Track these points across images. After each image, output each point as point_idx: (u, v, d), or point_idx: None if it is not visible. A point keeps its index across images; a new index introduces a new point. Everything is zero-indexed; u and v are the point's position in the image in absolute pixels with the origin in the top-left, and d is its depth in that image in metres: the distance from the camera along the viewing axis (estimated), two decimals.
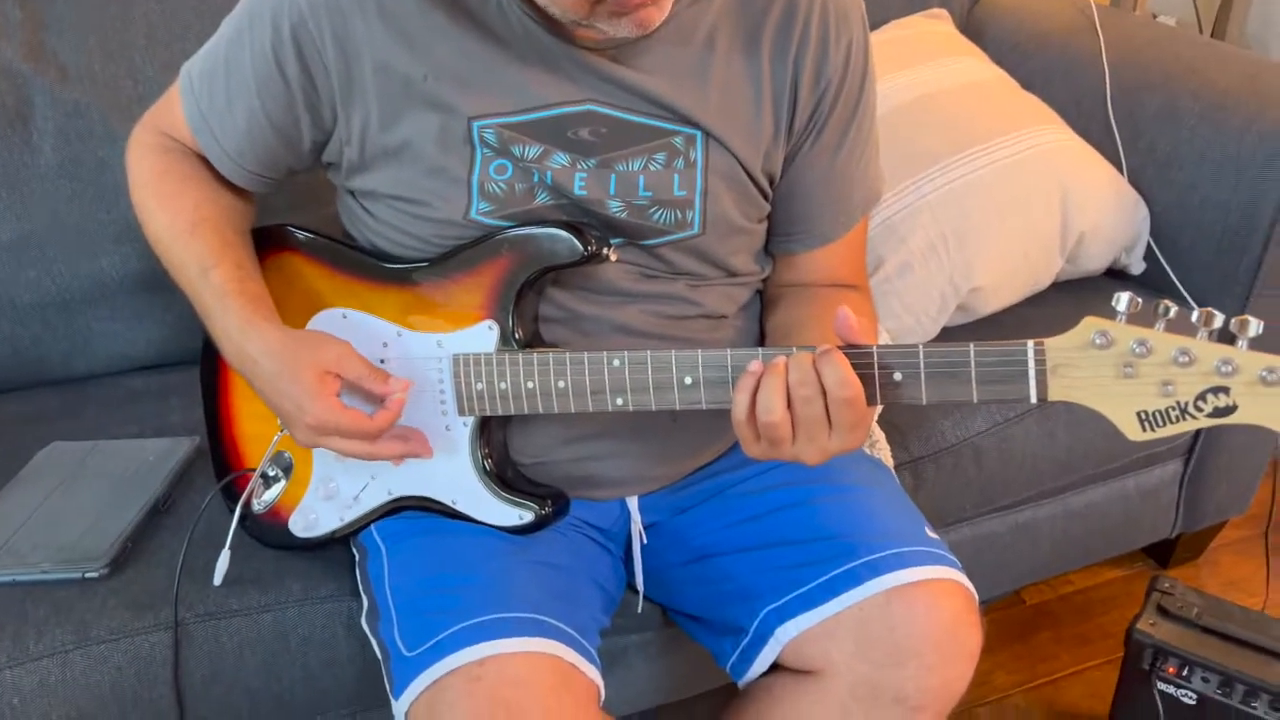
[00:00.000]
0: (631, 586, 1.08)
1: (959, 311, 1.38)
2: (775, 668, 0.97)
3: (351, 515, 0.99)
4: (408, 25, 0.87)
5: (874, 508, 0.99)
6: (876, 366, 0.77)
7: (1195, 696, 1.20)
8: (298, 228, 1.00)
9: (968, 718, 1.42)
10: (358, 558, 1.02)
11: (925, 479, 1.25)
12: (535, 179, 0.89)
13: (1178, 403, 0.68)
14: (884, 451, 1.22)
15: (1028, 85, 1.56)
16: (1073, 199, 1.39)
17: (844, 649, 0.92)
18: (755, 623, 0.96)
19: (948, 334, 1.37)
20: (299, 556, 1.04)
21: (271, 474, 1.01)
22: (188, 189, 0.96)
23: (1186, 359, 0.66)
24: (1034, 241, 1.38)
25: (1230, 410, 0.66)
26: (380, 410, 0.88)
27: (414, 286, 0.93)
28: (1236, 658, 1.19)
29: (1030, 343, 0.72)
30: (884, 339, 1.29)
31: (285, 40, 0.89)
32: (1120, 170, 1.46)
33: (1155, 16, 1.81)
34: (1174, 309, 0.68)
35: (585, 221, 0.90)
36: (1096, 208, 1.40)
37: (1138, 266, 1.47)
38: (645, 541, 1.05)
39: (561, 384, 0.87)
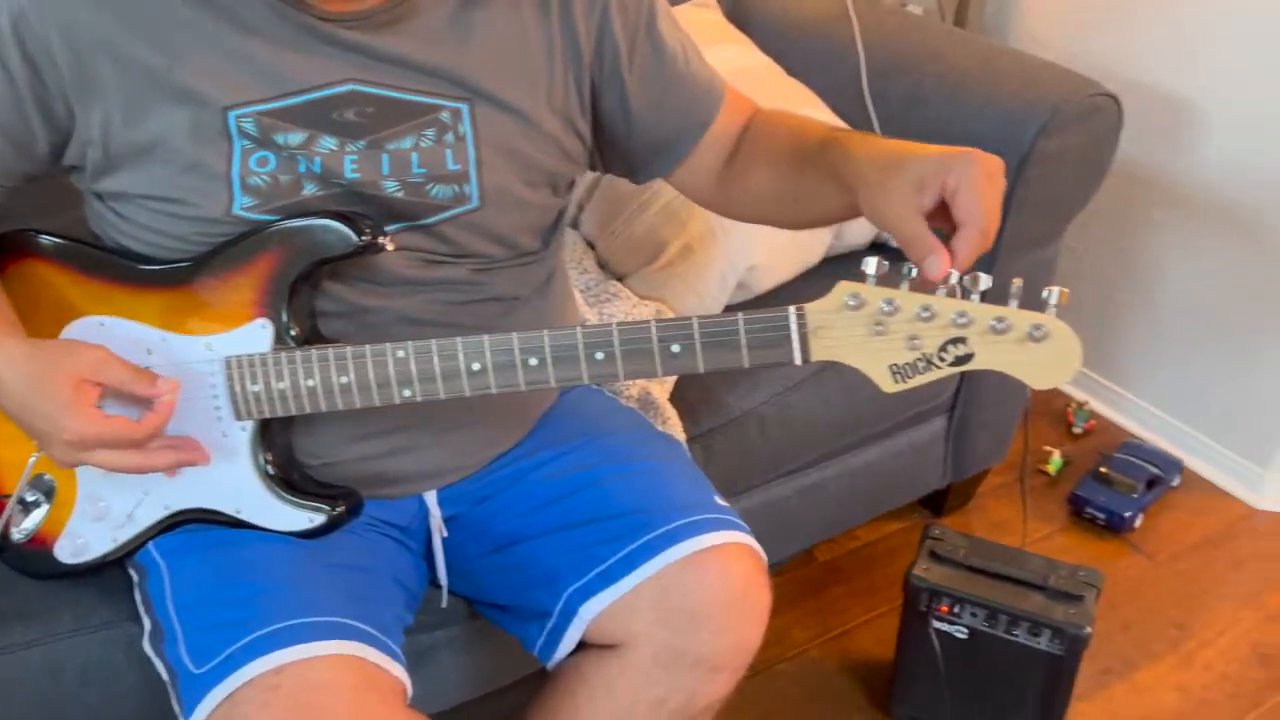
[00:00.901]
0: (434, 582, 1.07)
1: (740, 290, 1.44)
2: (582, 646, 0.98)
3: (126, 535, 0.93)
4: (142, 12, 0.82)
5: (666, 481, 1.02)
6: (655, 340, 0.80)
7: (967, 630, 1.31)
8: (41, 232, 0.92)
9: (769, 675, 1.48)
10: (136, 579, 0.96)
11: (715, 450, 1.30)
12: (302, 168, 0.86)
13: (924, 354, 0.74)
14: (675, 427, 1.26)
15: (792, 71, 1.64)
16: None
17: (645, 619, 0.94)
18: (559, 604, 0.98)
19: (732, 311, 1.43)
20: (68, 584, 0.97)
21: (30, 499, 0.94)
22: None
23: (928, 314, 0.72)
24: None
25: (968, 358, 0.73)
26: (148, 413, 0.83)
27: (177, 287, 0.88)
28: (999, 592, 1.30)
29: (792, 309, 0.76)
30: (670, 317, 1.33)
31: (5, 34, 0.81)
32: None
33: (904, 5, 1.94)
34: (916, 269, 0.73)
35: (358, 211, 0.88)
36: None
37: None
38: (446, 535, 1.04)
39: (344, 379, 0.85)
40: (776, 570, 1.56)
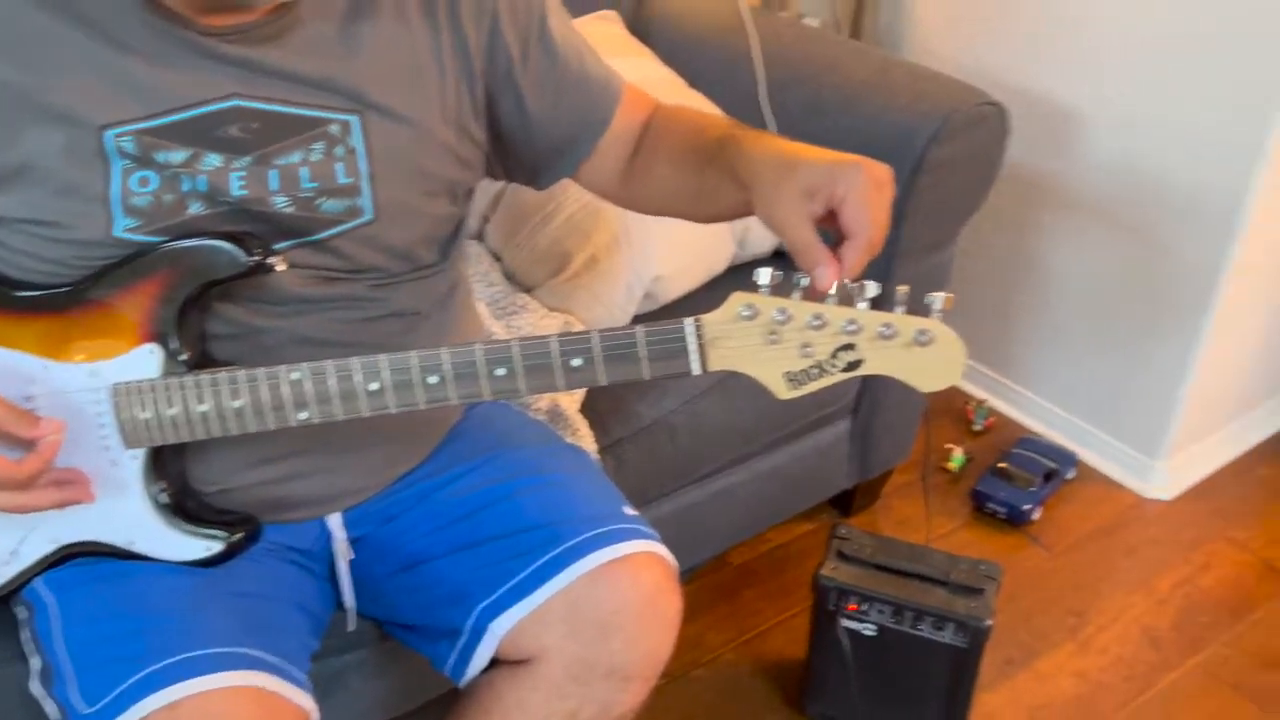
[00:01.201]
0: (340, 605, 1.05)
1: (647, 299, 1.45)
2: (494, 663, 0.98)
3: (10, 572, 0.90)
4: (8, 32, 0.79)
5: (574, 494, 1.02)
6: (556, 355, 0.80)
7: (875, 627, 1.34)
8: None
9: (685, 681, 1.49)
10: (23, 616, 0.92)
11: (626, 459, 1.31)
12: (185, 187, 0.84)
13: (816, 361, 0.75)
14: (585, 438, 1.26)
15: (693, 83, 1.66)
16: None
17: (556, 633, 0.94)
18: (470, 621, 0.97)
19: (639, 321, 1.43)
20: None
21: None
22: None
23: (819, 322, 0.74)
24: (705, 229, 1.46)
25: (859, 364, 0.75)
26: (30, 455, 0.80)
27: (59, 314, 0.85)
28: (904, 588, 1.33)
29: (689, 320, 0.77)
30: (579, 330, 1.33)
31: None
32: None
33: (801, 17, 1.98)
34: (806, 279, 0.75)
35: (247, 230, 0.85)
36: None
37: None
38: (353, 556, 1.03)
39: (238, 403, 0.83)
40: (690, 576, 1.56)
